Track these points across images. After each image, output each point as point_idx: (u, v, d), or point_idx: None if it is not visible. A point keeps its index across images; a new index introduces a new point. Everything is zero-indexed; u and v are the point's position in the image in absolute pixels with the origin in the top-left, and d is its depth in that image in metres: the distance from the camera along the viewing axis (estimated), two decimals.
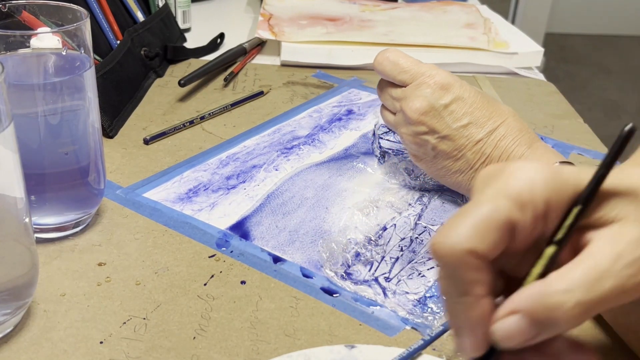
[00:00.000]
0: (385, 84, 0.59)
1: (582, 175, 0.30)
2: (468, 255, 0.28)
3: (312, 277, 0.49)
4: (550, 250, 0.29)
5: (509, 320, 0.27)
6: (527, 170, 0.29)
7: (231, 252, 0.51)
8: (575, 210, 0.29)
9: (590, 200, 0.29)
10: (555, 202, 0.29)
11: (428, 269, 0.50)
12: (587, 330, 0.44)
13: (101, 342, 0.41)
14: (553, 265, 0.29)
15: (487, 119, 0.54)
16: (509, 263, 0.31)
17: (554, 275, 0.27)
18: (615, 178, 0.30)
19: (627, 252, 0.28)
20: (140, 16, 0.87)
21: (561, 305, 0.26)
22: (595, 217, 0.29)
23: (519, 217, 0.28)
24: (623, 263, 0.27)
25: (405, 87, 0.56)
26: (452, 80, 0.55)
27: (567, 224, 0.29)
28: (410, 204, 0.59)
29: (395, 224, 0.56)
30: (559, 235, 0.29)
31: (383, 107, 0.60)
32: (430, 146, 0.55)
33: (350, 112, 0.77)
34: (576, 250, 0.29)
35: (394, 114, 0.58)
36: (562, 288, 0.27)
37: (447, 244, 0.28)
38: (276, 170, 0.63)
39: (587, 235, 0.29)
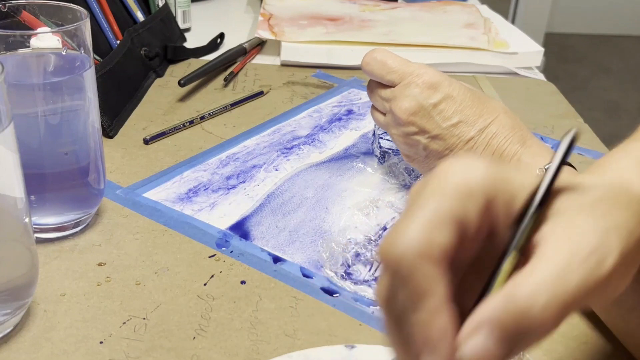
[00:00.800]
0: (375, 85, 0.58)
1: (518, 170, 0.28)
2: (422, 258, 0.25)
3: (312, 277, 0.49)
4: (512, 260, 0.27)
5: (476, 339, 0.24)
6: (465, 164, 0.27)
7: (231, 252, 0.51)
8: (533, 213, 0.27)
9: (545, 201, 0.27)
10: (497, 195, 0.27)
11: None
12: (586, 334, 0.44)
13: (101, 342, 0.41)
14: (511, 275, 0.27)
15: (477, 117, 0.53)
16: (455, 275, 0.29)
17: (515, 281, 0.25)
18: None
19: (583, 243, 0.26)
20: (140, 16, 0.87)
21: (529, 310, 0.24)
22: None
23: (464, 210, 0.26)
24: (583, 254, 0.26)
25: (394, 87, 0.56)
26: (440, 78, 0.54)
27: (526, 228, 0.27)
28: None
29: None
30: (518, 242, 0.27)
31: (373, 107, 0.60)
32: (421, 146, 0.54)
33: (350, 112, 0.77)
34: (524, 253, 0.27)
35: (385, 114, 0.58)
36: (527, 292, 0.24)
37: (399, 247, 0.25)
38: (276, 170, 0.63)
39: (540, 233, 0.27)
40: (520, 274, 0.25)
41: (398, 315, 0.26)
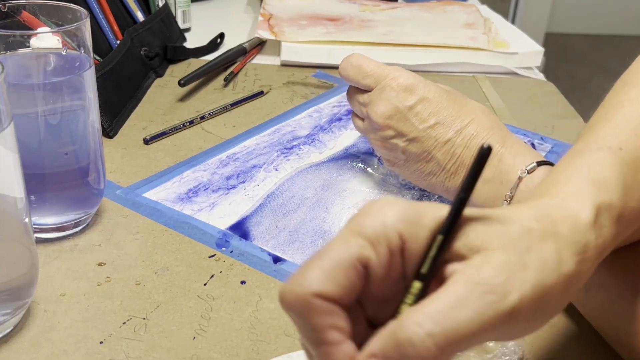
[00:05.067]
0: (353, 91, 0.58)
1: (439, 208, 0.29)
2: (316, 299, 0.26)
3: None
4: (417, 285, 0.27)
5: None
6: (380, 207, 0.28)
7: (231, 252, 0.51)
8: (438, 240, 0.27)
9: (452, 227, 0.27)
10: (411, 236, 0.28)
11: None
12: (586, 334, 0.44)
13: (101, 342, 0.41)
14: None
15: (454, 118, 0.53)
16: (378, 312, 0.29)
17: (407, 311, 0.26)
18: (479, 210, 0.29)
19: (487, 278, 0.26)
20: (140, 16, 0.87)
21: (411, 340, 0.24)
22: (458, 247, 0.28)
23: (371, 254, 0.27)
24: (481, 290, 0.26)
25: (370, 91, 0.55)
26: (416, 81, 0.54)
27: (431, 255, 0.27)
28: None
29: None
30: (424, 268, 0.27)
31: (354, 114, 0.59)
32: (400, 150, 0.54)
33: (350, 112, 0.76)
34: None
35: (363, 120, 0.57)
36: (412, 321, 0.25)
37: (293, 290, 0.27)
38: (276, 170, 0.63)
39: (451, 267, 0.27)
40: (417, 305, 0.26)
41: (306, 348, 0.28)
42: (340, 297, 0.27)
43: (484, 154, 0.28)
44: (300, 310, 0.27)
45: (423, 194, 0.60)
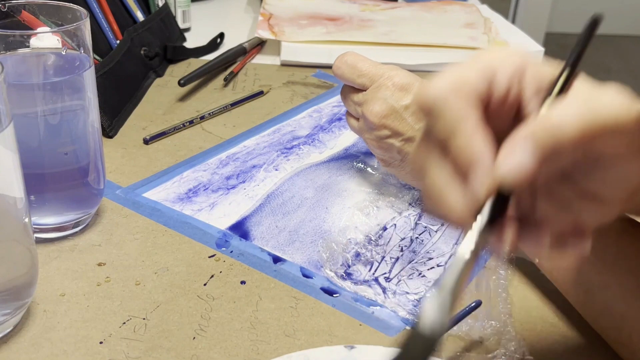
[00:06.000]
0: (347, 90, 0.57)
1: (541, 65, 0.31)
2: (454, 92, 0.28)
3: (312, 277, 0.49)
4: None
5: (514, 150, 0.26)
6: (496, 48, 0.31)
7: (231, 252, 0.51)
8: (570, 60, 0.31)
9: (578, 61, 0.32)
10: (524, 65, 0.30)
11: (428, 269, 0.50)
12: (586, 335, 0.44)
13: (101, 342, 0.41)
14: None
15: None
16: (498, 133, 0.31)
17: (549, 109, 0.28)
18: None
19: (609, 87, 0.28)
20: (140, 16, 0.87)
21: (560, 125, 0.26)
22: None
23: (492, 70, 0.29)
24: (610, 91, 0.27)
25: (365, 90, 0.55)
26: (411, 80, 0.54)
27: (564, 77, 0.30)
28: (410, 204, 0.58)
29: (395, 224, 0.56)
30: (560, 83, 0.30)
31: (348, 113, 0.59)
32: (395, 150, 0.54)
33: None
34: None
35: (358, 119, 0.57)
36: (558, 112, 0.26)
37: (432, 88, 0.29)
38: (276, 170, 0.63)
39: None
40: (554, 104, 0.28)
41: (438, 153, 0.29)
42: (473, 93, 0.29)
43: (594, 23, 0.33)
44: (439, 104, 0.28)
45: None
